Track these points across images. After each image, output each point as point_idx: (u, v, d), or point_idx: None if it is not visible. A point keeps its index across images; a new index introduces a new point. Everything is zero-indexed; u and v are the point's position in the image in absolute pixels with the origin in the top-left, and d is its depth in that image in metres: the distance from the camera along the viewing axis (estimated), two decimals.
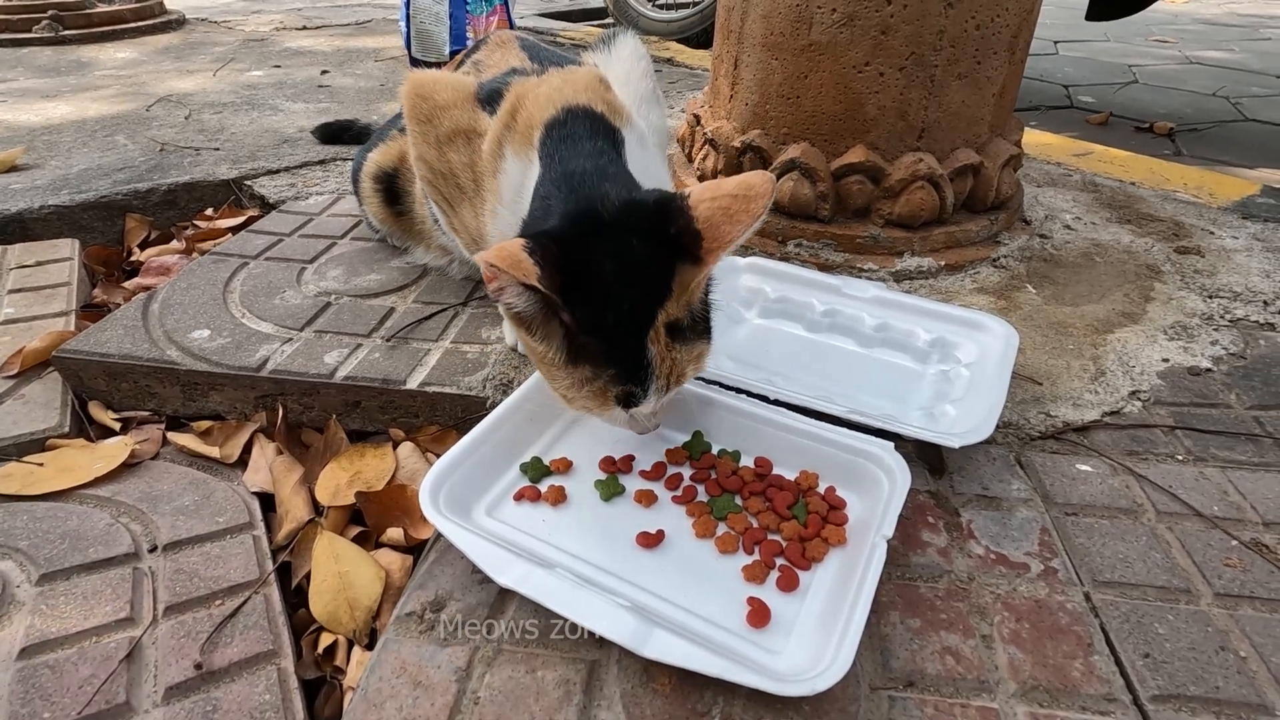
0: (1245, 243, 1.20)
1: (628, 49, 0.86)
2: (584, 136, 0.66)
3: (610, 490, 0.68)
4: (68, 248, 1.21)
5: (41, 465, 0.79)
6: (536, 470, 0.70)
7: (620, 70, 0.83)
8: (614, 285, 0.55)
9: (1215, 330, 0.97)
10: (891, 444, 0.68)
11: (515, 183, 0.71)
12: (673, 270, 0.56)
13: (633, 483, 0.70)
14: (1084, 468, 0.74)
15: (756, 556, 0.63)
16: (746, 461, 0.72)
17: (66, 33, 2.49)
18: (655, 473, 0.71)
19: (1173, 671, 0.55)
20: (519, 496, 0.68)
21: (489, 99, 0.77)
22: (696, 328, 0.61)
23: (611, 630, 0.51)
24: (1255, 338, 0.96)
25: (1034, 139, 1.69)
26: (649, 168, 0.73)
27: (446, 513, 0.61)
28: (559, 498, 0.67)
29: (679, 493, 0.69)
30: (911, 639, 0.57)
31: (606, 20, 3.61)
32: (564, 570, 0.58)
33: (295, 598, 0.71)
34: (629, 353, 0.56)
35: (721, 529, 0.65)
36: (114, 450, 0.82)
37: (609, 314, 0.55)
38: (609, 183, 0.62)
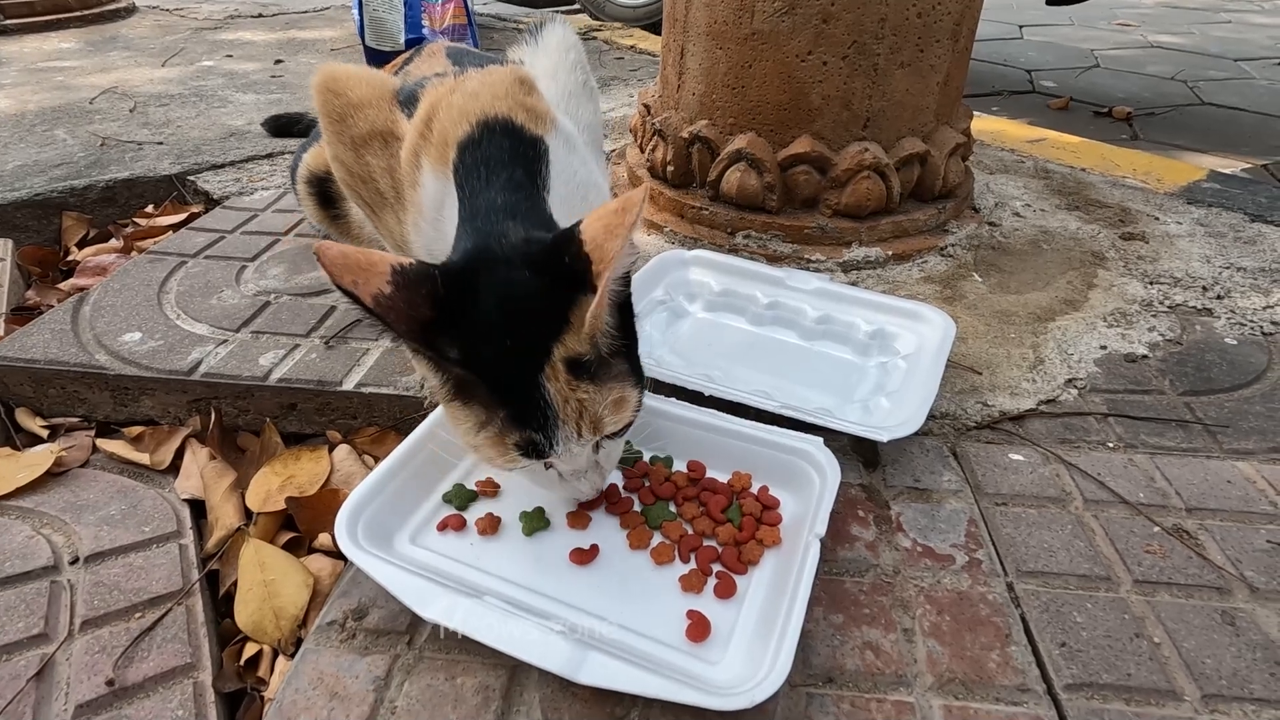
0: (1189, 228, 1.22)
1: (555, 39, 0.82)
2: (498, 164, 0.62)
3: (533, 525, 0.65)
4: (0, 248, 1.17)
5: None
6: (461, 497, 0.67)
7: (548, 64, 0.80)
8: (496, 319, 0.52)
9: (1154, 316, 0.98)
10: (821, 440, 0.68)
11: (435, 199, 0.67)
12: (571, 303, 0.52)
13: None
14: (1016, 457, 0.75)
15: (693, 565, 0.62)
16: (679, 466, 0.71)
17: (8, 22, 2.41)
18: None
19: (1087, 660, 0.56)
20: (443, 526, 0.65)
21: (408, 101, 0.74)
22: (613, 370, 0.55)
23: (544, 660, 0.50)
24: (1192, 323, 0.97)
25: (989, 125, 1.69)
26: (578, 171, 0.70)
27: (365, 544, 0.59)
28: (487, 528, 0.65)
29: (613, 504, 0.67)
30: (833, 635, 0.57)
31: (572, 6, 3.56)
32: (493, 598, 0.56)
33: (225, 607, 0.69)
34: (520, 391, 0.52)
35: (656, 538, 0.64)
36: (38, 459, 0.79)
37: (488, 348, 0.51)
38: (514, 219, 0.58)
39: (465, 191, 0.62)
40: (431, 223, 0.68)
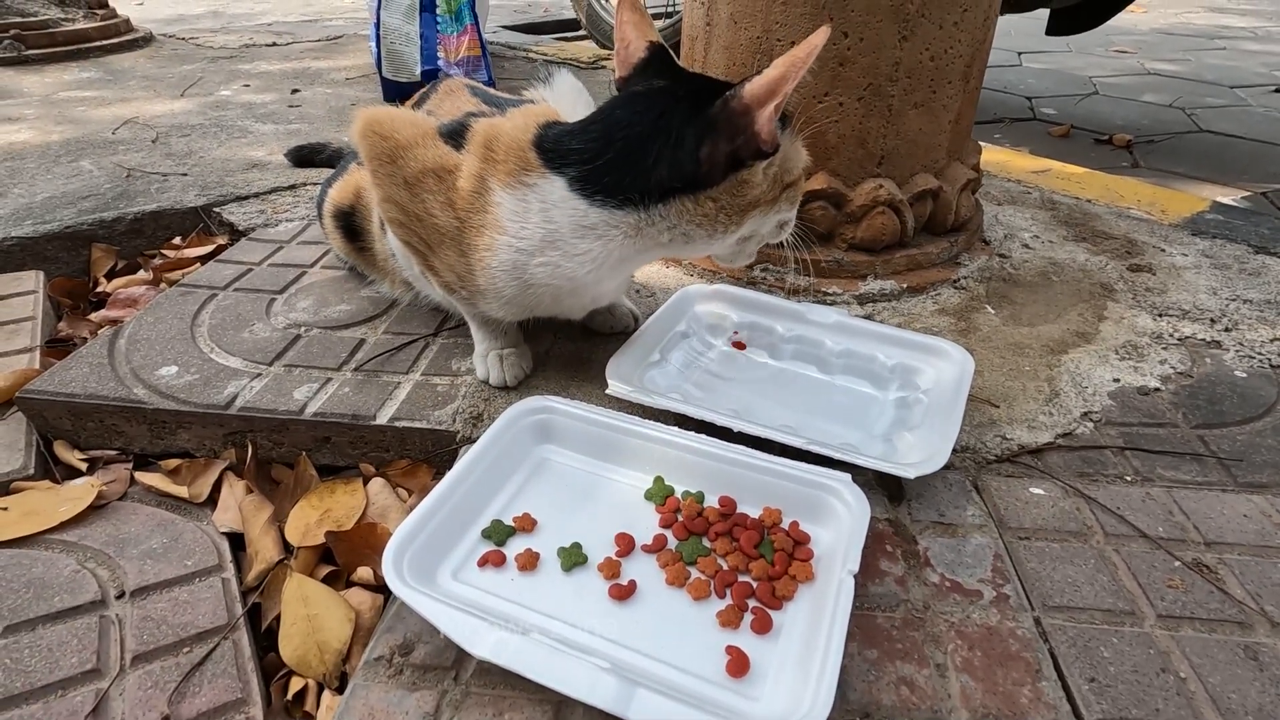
0: (1194, 260, 1.25)
1: (567, 83, 0.91)
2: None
3: (571, 560, 0.67)
4: (32, 280, 1.20)
5: (5, 510, 0.78)
6: (500, 533, 0.69)
7: (565, 104, 0.86)
8: None
9: (1164, 349, 1.01)
10: (849, 476, 0.70)
11: (515, 210, 0.73)
12: None
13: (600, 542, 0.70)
14: (1037, 491, 0.77)
15: (729, 601, 0.64)
16: (710, 501, 0.73)
17: (29, 53, 2.46)
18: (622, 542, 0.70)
19: (1116, 695, 0.57)
20: (483, 562, 0.66)
21: (451, 136, 0.77)
22: None
23: (594, 696, 0.52)
24: (1202, 356, 1.00)
25: (994, 156, 1.73)
26: None
27: (411, 581, 0.60)
28: (527, 563, 0.66)
29: (648, 541, 0.69)
30: (869, 670, 0.59)
31: (579, 33, 3.63)
32: (539, 634, 0.57)
33: (266, 640, 0.71)
34: None
35: (693, 574, 0.66)
36: (80, 492, 0.81)
37: None
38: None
39: (588, 125, 0.73)
40: (514, 234, 0.73)
